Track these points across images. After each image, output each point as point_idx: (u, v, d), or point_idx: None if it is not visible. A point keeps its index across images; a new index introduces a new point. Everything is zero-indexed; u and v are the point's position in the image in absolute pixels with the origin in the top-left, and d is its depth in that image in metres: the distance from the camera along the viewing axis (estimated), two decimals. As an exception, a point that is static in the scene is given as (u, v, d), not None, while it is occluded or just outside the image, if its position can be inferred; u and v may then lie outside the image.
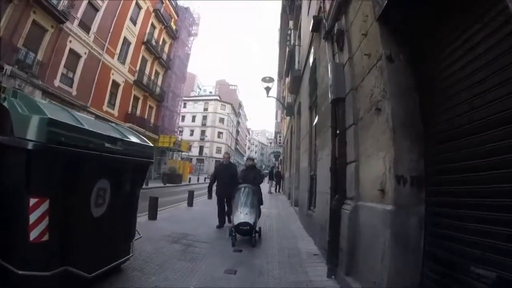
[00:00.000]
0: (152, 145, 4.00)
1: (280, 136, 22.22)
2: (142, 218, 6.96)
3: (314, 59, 6.61)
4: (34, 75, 14.70)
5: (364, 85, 3.33)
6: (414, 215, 2.47)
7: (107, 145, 2.99)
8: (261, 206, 6.15)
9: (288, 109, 13.28)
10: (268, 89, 12.72)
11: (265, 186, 16.18)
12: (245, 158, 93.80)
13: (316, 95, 6.13)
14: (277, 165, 43.37)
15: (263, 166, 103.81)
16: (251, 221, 5.06)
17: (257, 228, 5.37)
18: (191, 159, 62.29)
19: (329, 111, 4.33)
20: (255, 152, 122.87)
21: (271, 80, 12.95)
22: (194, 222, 7.17)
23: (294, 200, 10.42)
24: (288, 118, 16.17)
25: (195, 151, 64.50)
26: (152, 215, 7.01)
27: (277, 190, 20.43)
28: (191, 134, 65.69)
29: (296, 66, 10.94)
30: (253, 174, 6.48)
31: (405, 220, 2.45)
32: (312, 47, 7.01)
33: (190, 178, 27.84)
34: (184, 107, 66.96)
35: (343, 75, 3.97)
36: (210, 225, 6.74)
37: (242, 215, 5.10)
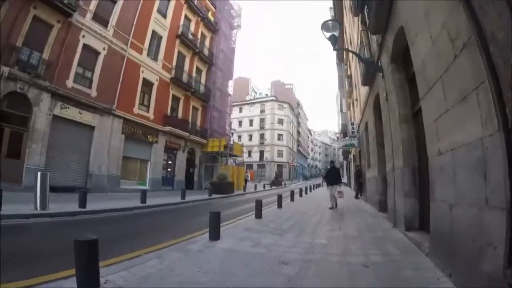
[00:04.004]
0: None
1: (353, 125, 16.95)
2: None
3: None
4: (39, 76, 12.26)
5: None
6: None
7: None
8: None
9: (369, 66, 8.28)
10: (334, 38, 7.95)
11: (320, 194, 11.14)
12: (308, 161, 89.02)
13: None
14: (346, 164, 37.46)
15: (329, 168, 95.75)
16: None
17: None
18: (251, 165, 59.26)
19: None
20: (319, 154, 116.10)
21: (335, 26, 8.16)
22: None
23: (406, 219, 5.46)
24: (366, 90, 11.11)
25: (255, 157, 61.43)
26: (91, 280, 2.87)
27: (358, 195, 15.13)
28: (250, 139, 62.82)
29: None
30: None
31: None
32: None
33: (245, 187, 23.83)
34: (240, 111, 64.82)
35: None
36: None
37: None
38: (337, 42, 8.56)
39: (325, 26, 8.11)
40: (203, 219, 7.38)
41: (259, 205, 7.93)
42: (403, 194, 5.52)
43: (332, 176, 11.15)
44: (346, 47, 19.96)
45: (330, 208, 10.48)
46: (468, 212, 2.82)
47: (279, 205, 10.62)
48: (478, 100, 2.63)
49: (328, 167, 12.67)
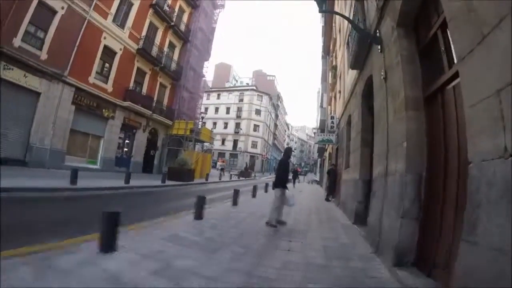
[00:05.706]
0: None
1: (332, 119, 15.28)
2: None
3: None
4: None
5: None
6: None
7: None
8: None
9: (364, 37, 6.43)
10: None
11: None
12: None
13: None
14: (320, 162, 36.39)
15: (302, 164, 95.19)
16: None
17: None
18: (224, 153, 57.13)
19: None
20: (295, 149, 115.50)
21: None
22: None
23: (397, 249, 3.68)
24: (354, 76, 9.38)
25: (229, 145, 59.10)
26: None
27: (329, 198, 13.36)
28: (225, 127, 60.39)
29: None
30: None
31: None
32: None
33: (208, 175, 21.58)
34: (218, 98, 62.18)
35: None
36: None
37: None
38: (325, 4, 6.77)
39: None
40: (130, 213, 5.44)
41: (200, 202, 5.98)
42: (398, 213, 3.76)
43: (282, 172, 6.96)
44: (335, 36, 18.45)
45: (270, 225, 6.13)
46: None
47: (234, 202, 8.76)
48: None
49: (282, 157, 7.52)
